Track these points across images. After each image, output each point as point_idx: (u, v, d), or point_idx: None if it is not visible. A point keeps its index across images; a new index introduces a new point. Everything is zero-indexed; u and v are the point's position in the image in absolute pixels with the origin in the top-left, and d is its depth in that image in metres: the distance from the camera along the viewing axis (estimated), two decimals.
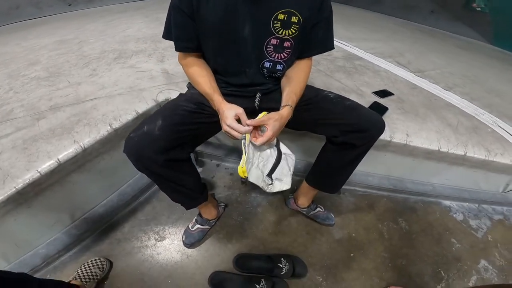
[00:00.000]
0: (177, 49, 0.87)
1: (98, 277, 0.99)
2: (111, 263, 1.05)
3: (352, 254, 1.17)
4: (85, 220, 1.12)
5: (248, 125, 0.75)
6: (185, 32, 0.82)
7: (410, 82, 1.79)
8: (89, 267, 1.00)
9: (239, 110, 0.77)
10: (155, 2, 3.90)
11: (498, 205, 1.52)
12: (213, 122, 0.85)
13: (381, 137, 1.17)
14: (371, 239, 1.24)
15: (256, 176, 0.82)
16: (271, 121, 0.76)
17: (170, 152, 0.75)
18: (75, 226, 1.10)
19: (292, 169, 0.87)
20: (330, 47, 0.89)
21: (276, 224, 1.24)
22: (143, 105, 1.14)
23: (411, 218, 1.37)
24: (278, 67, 0.87)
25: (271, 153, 0.83)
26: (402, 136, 1.24)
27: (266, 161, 0.82)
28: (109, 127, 1.02)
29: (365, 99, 1.45)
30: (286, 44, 0.82)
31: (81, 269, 1.00)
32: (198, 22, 0.79)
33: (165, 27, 0.87)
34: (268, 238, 1.18)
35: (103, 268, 1.01)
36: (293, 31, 0.80)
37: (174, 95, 1.21)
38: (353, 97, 1.26)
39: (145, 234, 1.15)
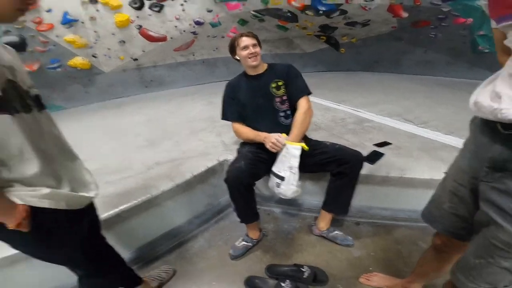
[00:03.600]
0: (231, 120, 1.68)
1: (162, 280, 1.40)
2: (175, 272, 1.51)
3: (371, 268, 1.46)
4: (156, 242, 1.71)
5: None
6: (234, 110, 1.65)
7: (411, 133, 2.27)
8: (159, 270, 1.48)
9: (277, 135, 1.49)
10: (204, 87, 5.43)
11: None
12: (265, 159, 1.53)
13: (378, 173, 1.69)
14: (390, 257, 1.51)
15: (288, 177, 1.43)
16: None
17: (250, 179, 1.43)
18: (154, 242, 1.70)
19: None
20: (308, 92, 1.63)
21: (302, 245, 1.65)
22: (210, 163, 1.90)
23: (431, 241, 1.62)
24: (288, 112, 1.62)
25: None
26: (397, 172, 1.68)
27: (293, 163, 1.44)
28: (191, 174, 1.78)
29: (366, 150, 1.91)
30: (284, 98, 1.62)
31: (153, 270, 1.45)
32: (238, 102, 1.62)
33: (222, 112, 1.70)
34: (294, 255, 1.59)
35: (168, 274, 1.44)
36: (283, 90, 1.60)
37: (230, 157, 1.94)
38: (357, 149, 1.60)
39: (203, 252, 1.68)
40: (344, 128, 2.48)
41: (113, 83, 5.67)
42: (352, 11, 4.95)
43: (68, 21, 4.97)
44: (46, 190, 0.72)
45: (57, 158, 0.80)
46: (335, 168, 1.45)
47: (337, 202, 1.53)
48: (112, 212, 1.46)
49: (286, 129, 1.57)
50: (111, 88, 5.66)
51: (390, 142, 2.07)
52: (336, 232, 1.65)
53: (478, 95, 0.72)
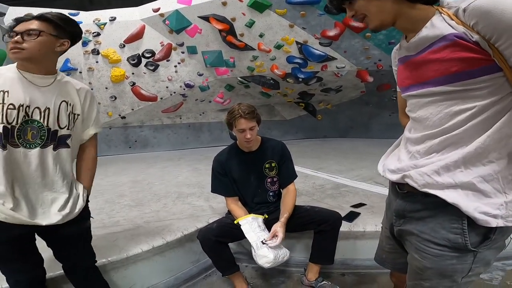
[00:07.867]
0: (224, 195, 1.84)
1: None
2: None
3: None
4: None
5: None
6: (226, 185, 1.83)
7: (383, 194, 2.69)
8: None
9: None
10: (189, 153, 5.71)
11: (509, 259, 1.91)
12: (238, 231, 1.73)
13: (356, 229, 2.00)
14: None
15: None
16: (278, 227, 1.62)
17: (218, 237, 1.65)
18: None
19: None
20: (295, 176, 1.89)
21: None
22: (200, 224, 2.09)
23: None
24: (276, 192, 1.89)
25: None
26: (372, 227, 1.99)
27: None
28: (181, 233, 1.96)
29: (344, 211, 2.23)
30: (275, 179, 1.88)
31: None
32: (230, 178, 1.86)
33: (211, 185, 1.86)
34: None
35: None
36: (275, 171, 1.87)
37: None
38: (336, 210, 1.84)
39: None
40: (323, 194, 2.86)
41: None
42: (327, 78, 5.90)
43: (68, 69, 5.31)
44: None
45: (32, 187, 1.14)
46: (316, 227, 1.75)
47: (322, 254, 1.78)
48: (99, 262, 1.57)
49: (273, 206, 1.86)
50: None
51: (364, 203, 2.45)
52: (324, 282, 1.82)
53: (386, 160, 1.00)
